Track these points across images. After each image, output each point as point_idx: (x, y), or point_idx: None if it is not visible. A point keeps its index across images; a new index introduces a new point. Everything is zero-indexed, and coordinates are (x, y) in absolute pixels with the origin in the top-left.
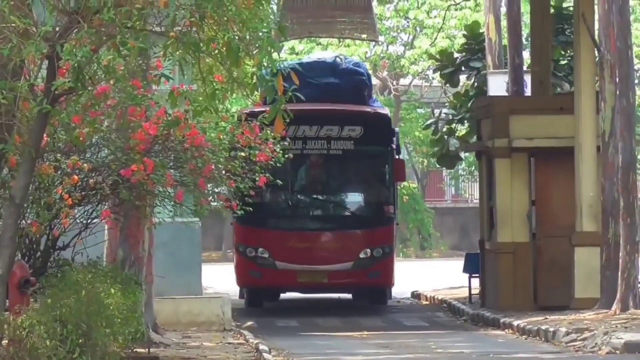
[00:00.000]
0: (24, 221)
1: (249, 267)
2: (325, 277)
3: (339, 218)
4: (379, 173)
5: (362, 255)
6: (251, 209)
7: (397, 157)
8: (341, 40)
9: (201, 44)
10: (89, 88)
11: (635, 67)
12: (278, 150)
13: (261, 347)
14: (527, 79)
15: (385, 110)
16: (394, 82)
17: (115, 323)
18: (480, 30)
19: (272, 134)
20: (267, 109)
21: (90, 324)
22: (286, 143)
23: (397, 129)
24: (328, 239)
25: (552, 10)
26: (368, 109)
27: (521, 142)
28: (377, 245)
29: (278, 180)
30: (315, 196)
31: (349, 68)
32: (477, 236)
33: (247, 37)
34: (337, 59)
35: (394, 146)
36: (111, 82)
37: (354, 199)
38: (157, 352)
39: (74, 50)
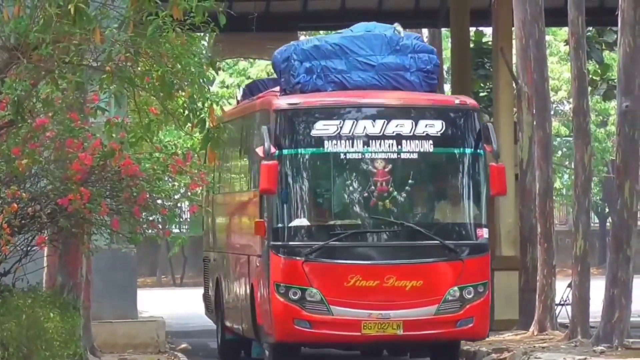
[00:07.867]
0: None
1: (294, 315)
2: (400, 328)
3: (416, 246)
4: (469, 184)
5: (448, 297)
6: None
7: (492, 163)
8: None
9: (136, 78)
10: (29, 121)
11: (551, 99)
12: (210, 180)
13: None
14: None
15: (473, 101)
16: None
17: (55, 346)
18: None
19: (204, 164)
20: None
21: (30, 347)
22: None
23: (490, 125)
24: (403, 275)
25: (472, 45)
26: (450, 98)
27: None
28: (469, 283)
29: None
30: (383, 216)
31: (413, 44)
32: None
33: (180, 71)
34: (395, 32)
35: (489, 148)
36: (50, 115)
37: (436, 220)
38: None
39: (14, 84)
